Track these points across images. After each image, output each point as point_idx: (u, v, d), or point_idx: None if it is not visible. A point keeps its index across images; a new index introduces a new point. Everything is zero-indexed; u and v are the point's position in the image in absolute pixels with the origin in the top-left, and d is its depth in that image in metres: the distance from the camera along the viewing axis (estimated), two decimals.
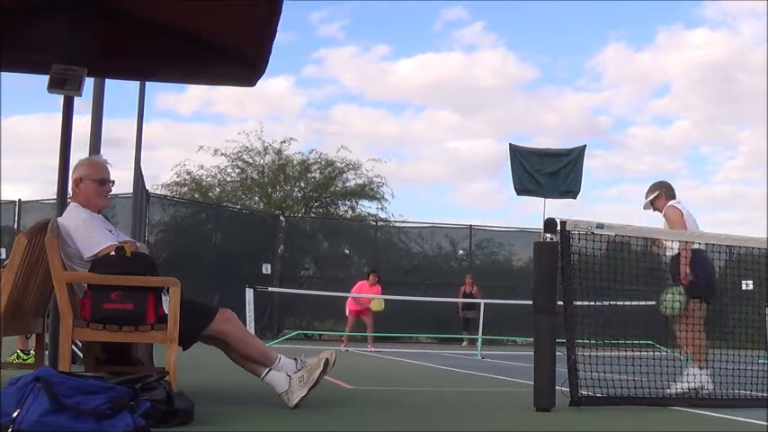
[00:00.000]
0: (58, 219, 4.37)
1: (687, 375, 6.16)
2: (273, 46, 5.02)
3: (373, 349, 14.12)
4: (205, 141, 32.44)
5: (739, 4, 37.00)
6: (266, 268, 18.45)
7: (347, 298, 15.04)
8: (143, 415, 3.19)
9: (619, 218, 6.67)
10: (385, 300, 15.75)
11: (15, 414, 2.95)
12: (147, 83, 8.14)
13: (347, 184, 25.21)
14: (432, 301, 17.55)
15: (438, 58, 37.79)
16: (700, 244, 6.43)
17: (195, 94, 38.40)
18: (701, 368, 6.17)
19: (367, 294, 14.75)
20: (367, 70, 36.01)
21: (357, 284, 15.21)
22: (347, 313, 14.88)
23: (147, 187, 15.58)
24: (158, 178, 28.63)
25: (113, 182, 4.57)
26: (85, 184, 4.44)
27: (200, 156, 27.72)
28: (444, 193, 40.49)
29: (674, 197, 6.94)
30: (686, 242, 6.44)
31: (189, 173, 24.38)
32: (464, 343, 17.56)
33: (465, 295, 17.75)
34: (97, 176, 4.48)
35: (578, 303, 5.71)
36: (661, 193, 6.94)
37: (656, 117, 40.32)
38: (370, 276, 15.12)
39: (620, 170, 39.42)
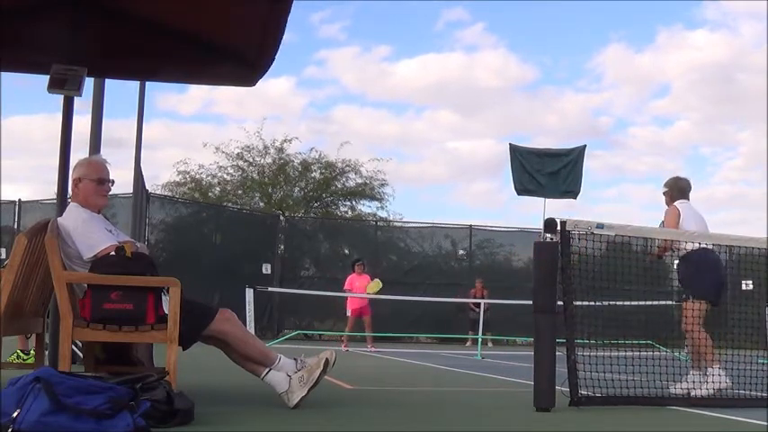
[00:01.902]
0: (58, 219, 4.37)
1: (704, 377, 6.10)
2: (280, 46, 5.02)
3: (373, 349, 14.12)
4: (206, 141, 32.40)
5: (739, 5, 37.03)
6: (266, 268, 18.45)
7: (347, 299, 15.02)
8: (143, 415, 3.19)
9: (619, 218, 6.70)
10: (385, 300, 15.76)
11: (15, 414, 2.95)
12: (147, 83, 8.14)
13: (347, 183, 25.24)
14: (432, 301, 17.55)
15: (439, 58, 37.83)
16: (708, 244, 6.29)
17: (196, 95, 38.46)
18: (713, 368, 6.06)
19: (360, 294, 14.71)
20: (368, 71, 36.06)
21: (348, 279, 15.17)
22: (348, 313, 14.86)
23: (147, 187, 15.59)
24: (158, 178, 28.63)
25: (113, 181, 4.56)
26: (84, 183, 4.44)
27: (201, 154, 27.76)
28: (444, 193, 40.53)
29: (683, 197, 6.77)
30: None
31: (188, 172, 24.39)
32: (468, 343, 17.56)
33: (475, 298, 17.69)
34: (95, 176, 4.47)
35: (578, 303, 5.72)
36: (668, 193, 6.84)
37: (656, 118, 40.35)
38: (356, 267, 15.10)
39: (621, 170, 39.48)
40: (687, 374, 6.31)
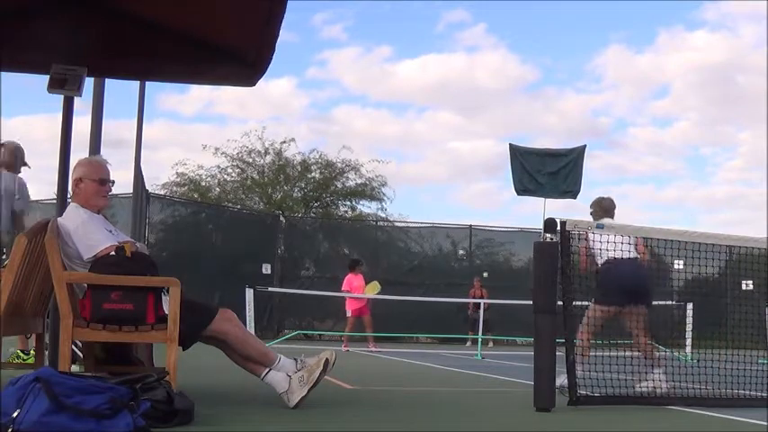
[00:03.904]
0: (58, 219, 4.37)
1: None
2: (277, 45, 5.02)
3: (375, 349, 14.14)
4: (207, 142, 32.41)
5: (738, 5, 37.07)
6: (266, 268, 18.44)
7: (346, 300, 15.01)
8: (143, 415, 3.19)
9: (619, 218, 6.66)
10: (385, 300, 15.75)
11: (15, 414, 2.95)
12: (147, 83, 8.15)
13: (347, 184, 25.24)
14: (432, 301, 17.55)
15: (440, 59, 37.91)
16: (624, 255, 6.27)
17: (197, 95, 38.49)
18: (581, 363, 5.73)
19: (360, 294, 14.71)
20: (369, 71, 36.12)
21: (346, 280, 15.13)
22: (348, 314, 14.86)
23: (147, 187, 15.60)
24: (159, 178, 28.63)
25: (113, 182, 4.57)
26: (85, 183, 4.44)
27: (201, 155, 27.73)
28: (445, 193, 40.56)
29: (607, 215, 6.87)
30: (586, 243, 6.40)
31: (186, 174, 24.37)
32: (468, 343, 17.55)
33: (474, 298, 17.70)
34: (97, 176, 4.48)
35: (578, 303, 5.71)
36: (592, 213, 7.02)
37: (655, 118, 40.41)
38: (356, 267, 15.09)
39: (621, 170, 39.53)
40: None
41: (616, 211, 7.08)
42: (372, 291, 14.66)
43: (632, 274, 6.51)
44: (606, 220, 6.57)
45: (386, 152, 48.73)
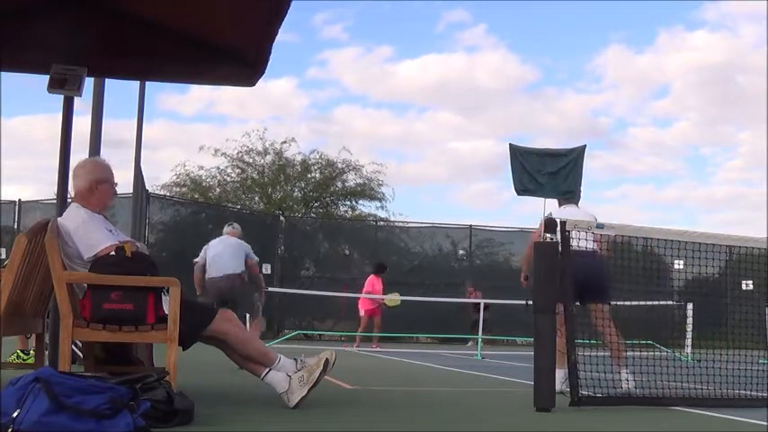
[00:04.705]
0: (58, 219, 4.37)
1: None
2: (274, 46, 5.02)
3: (379, 348, 14.19)
4: (207, 142, 32.39)
5: (738, 5, 37.09)
6: (266, 268, 18.42)
7: (360, 300, 15.08)
8: (143, 415, 3.19)
9: (619, 218, 6.70)
10: (385, 299, 15.80)
11: (15, 414, 2.95)
12: (147, 83, 8.15)
13: (347, 184, 25.24)
14: (432, 301, 17.54)
15: (440, 59, 37.92)
16: (582, 247, 5.77)
17: (198, 95, 38.51)
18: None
19: (379, 295, 14.80)
20: (370, 72, 36.14)
21: (368, 281, 15.20)
22: (361, 313, 14.91)
23: (147, 187, 15.60)
24: (159, 179, 28.63)
25: (116, 183, 4.63)
26: (104, 186, 4.49)
27: (200, 156, 27.70)
28: (445, 193, 40.58)
29: (568, 203, 7.01)
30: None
31: (187, 174, 24.37)
32: (469, 343, 17.55)
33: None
34: (113, 179, 4.58)
35: (578, 303, 5.70)
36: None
37: (655, 118, 40.42)
38: (382, 272, 15.19)
39: (621, 170, 39.57)
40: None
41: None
42: (391, 303, 14.81)
43: (586, 267, 5.95)
44: (571, 208, 6.54)
45: (386, 152, 48.76)
